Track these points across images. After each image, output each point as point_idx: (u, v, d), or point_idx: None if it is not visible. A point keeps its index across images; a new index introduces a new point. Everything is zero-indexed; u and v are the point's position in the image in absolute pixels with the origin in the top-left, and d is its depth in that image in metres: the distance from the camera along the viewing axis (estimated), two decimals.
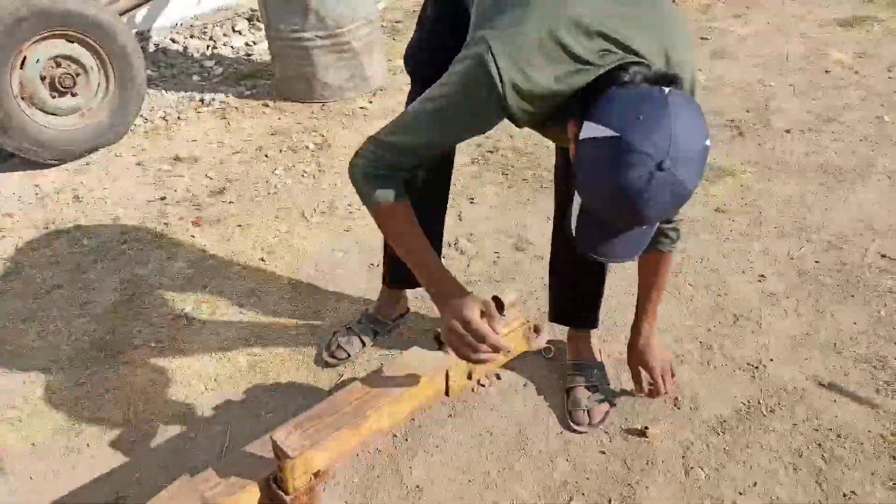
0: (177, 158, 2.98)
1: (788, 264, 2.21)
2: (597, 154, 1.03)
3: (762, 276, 2.18)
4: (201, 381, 1.91)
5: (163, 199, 2.71)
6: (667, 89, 1.02)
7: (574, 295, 1.83)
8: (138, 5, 3.46)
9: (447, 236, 2.43)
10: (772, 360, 1.89)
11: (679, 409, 1.77)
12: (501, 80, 1.11)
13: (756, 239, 2.33)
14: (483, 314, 1.23)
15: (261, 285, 2.25)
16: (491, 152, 2.94)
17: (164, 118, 3.37)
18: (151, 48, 4.13)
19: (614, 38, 1.12)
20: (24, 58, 2.80)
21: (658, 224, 1.20)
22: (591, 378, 1.79)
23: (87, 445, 1.73)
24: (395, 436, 1.72)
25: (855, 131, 2.88)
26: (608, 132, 1.01)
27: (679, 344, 1.96)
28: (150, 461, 1.69)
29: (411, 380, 1.30)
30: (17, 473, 1.68)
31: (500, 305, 1.45)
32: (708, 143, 1.04)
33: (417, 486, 1.61)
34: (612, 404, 1.77)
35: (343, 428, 1.19)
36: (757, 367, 1.87)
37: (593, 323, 1.85)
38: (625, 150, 0.98)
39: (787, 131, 2.92)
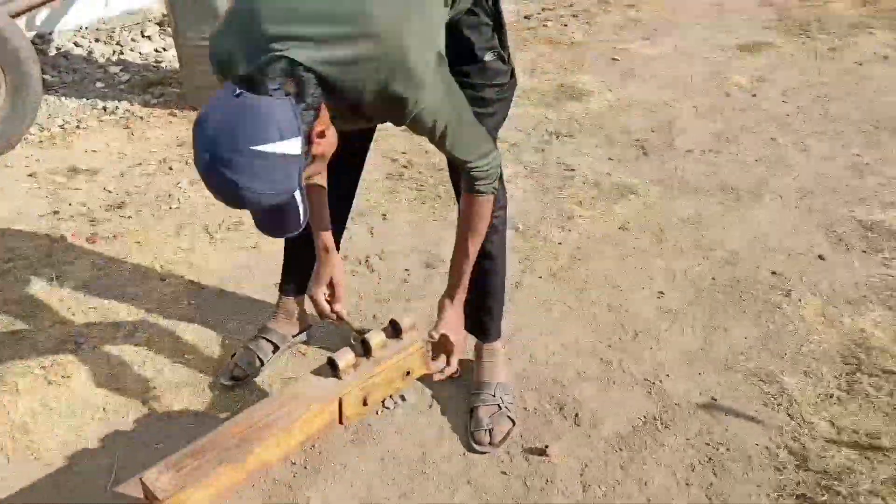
0: (73, 170, 2.84)
1: (686, 281, 2.29)
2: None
3: (661, 292, 2.25)
4: (88, 410, 1.81)
5: (56, 213, 2.57)
6: (238, 91, 1.07)
7: (475, 303, 1.84)
8: (33, 7, 3.29)
9: (359, 253, 2.42)
10: (668, 375, 1.94)
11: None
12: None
13: (657, 256, 2.41)
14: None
15: (158, 306, 2.16)
16: (405, 167, 2.93)
17: (62, 127, 3.21)
18: (52, 52, 3.93)
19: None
20: None
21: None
22: (494, 397, 1.79)
23: None
24: (293, 463, 1.68)
25: (751, 152, 3.02)
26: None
27: (581, 360, 1.99)
28: (29, 499, 1.59)
29: (302, 408, 1.26)
30: None
31: (397, 329, 1.44)
32: (264, 148, 1.05)
33: None
34: (514, 422, 1.78)
35: (225, 464, 1.14)
36: (654, 383, 1.92)
37: (491, 335, 1.86)
38: (194, 136, 1.09)
39: (689, 151, 3.04)
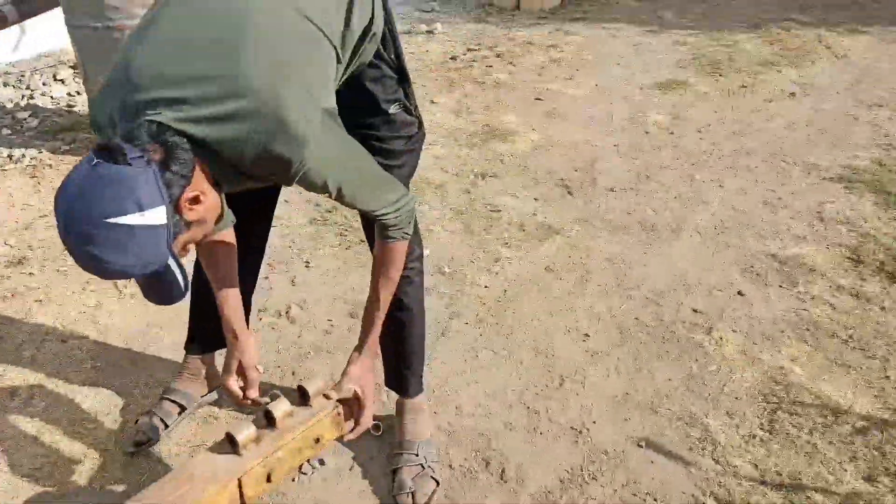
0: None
1: (611, 322, 2.29)
2: None
3: (587, 335, 2.24)
4: None
5: None
6: (95, 161, 1.03)
7: (393, 357, 1.78)
8: None
9: (279, 304, 2.32)
10: (594, 422, 1.92)
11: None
12: None
13: (581, 297, 2.40)
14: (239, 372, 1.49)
15: (59, 369, 2.02)
16: (329, 212, 2.87)
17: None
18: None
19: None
20: None
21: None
22: (417, 456, 1.72)
23: None
24: None
25: (670, 190, 3.08)
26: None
27: (508, 410, 1.95)
28: None
29: (197, 492, 1.17)
30: None
31: (305, 395, 1.36)
32: (117, 220, 1.01)
33: None
34: (438, 483, 1.71)
35: None
36: (580, 431, 1.89)
37: (411, 390, 1.81)
38: (55, 207, 1.05)
39: (611, 190, 3.08)
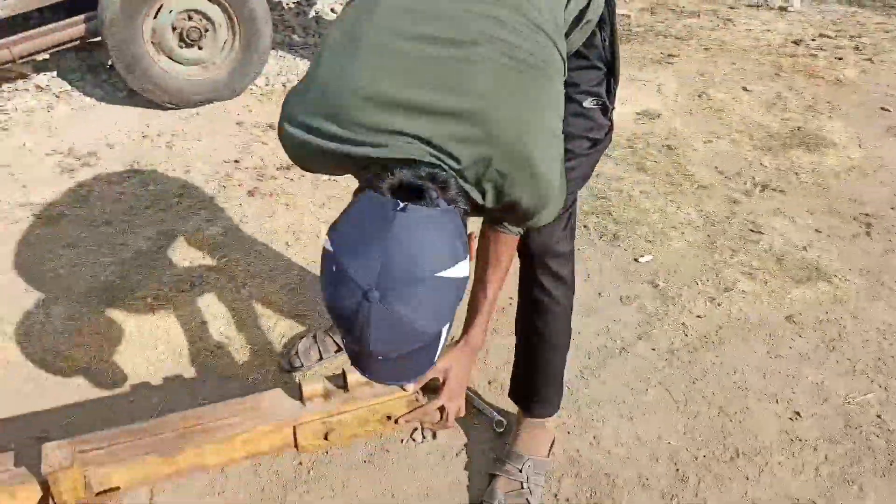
0: (270, 126, 3.08)
1: (840, 411, 1.80)
2: (323, 265, 0.92)
3: (798, 414, 1.80)
4: (168, 349, 1.96)
5: (237, 161, 2.81)
6: (402, 205, 0.87)
7: (521, 374, 1.63)
8: None
9: None
10: None
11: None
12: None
13: (816, 366, 1.93)
14: None
15: (272, 269, 2.26)
16: None
17: (284, 84, 3.50)
18: (311, 14, 4.31)
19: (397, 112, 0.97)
20: (160, 7, 3.02)
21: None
22: (520, 472, 1.58)
23: (46, 379, 1.85)
24: (300, 463, 1.66)
25: None
26: (328, 246, 0.91)
27: (652, 464, 1.67)
28: (86, 410, 1.77)
29: (249, 424, 1.21)
30: None
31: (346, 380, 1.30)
32: (448, 274, 0.86)
33: None
34: None
35: (154, 454, 1.14)
36: None
37: (535, 412, 1.64)
38: (336, 271, 0.87)
39: None
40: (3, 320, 2.00)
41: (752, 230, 2.46)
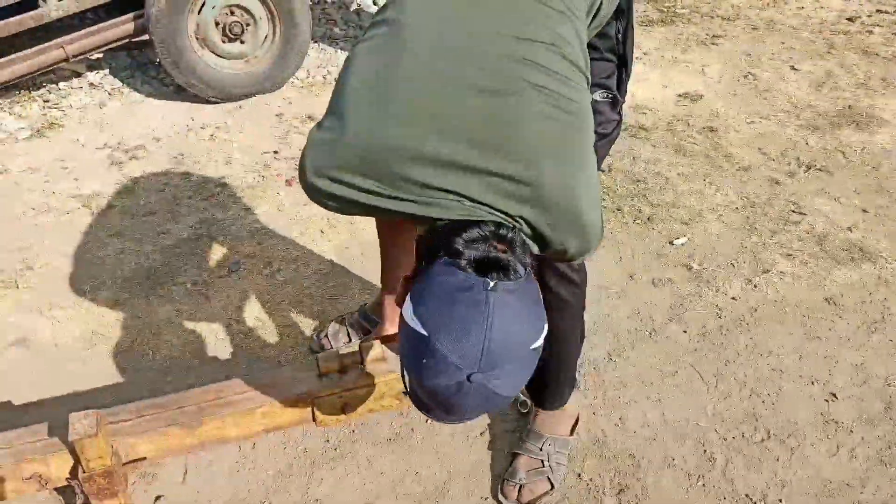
0: (310, 117, 3.14)
1: (880, 392, 1.74)
2: (411, 344, 0.92)
3: (835, 395, 1.74)
4: (207, 331, 2.03)
5: (276, 152, 2.88)
6: (492, 283, 0.88)
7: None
8: None
9: None
10: (780, 501, 1.51)
11: None
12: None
13: (856, 348, 1.86)
14: None
15: (306, 255, 2.32)
16: None
17: (324, 77, 3.56)
18: (353, 7, 4.36)
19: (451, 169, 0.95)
20: (203, 3, 3.11)
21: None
22: (541, 451, 1.58)
23: (91, 359, 1.94)
24: (327, 440, 1.70)
25: None
26: (419, 328, 0.89)
27: (679, 445, 1.65)
28: (127, 388, 1.85)
29: (268, 398, 1.25)
30: (39, 360, 1.93)
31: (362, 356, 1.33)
32: (537, 345, 0.89)
33: (316, 500, 1.58)
34: (553, 486, 1.55)
35: (175, 426, 1.19)
36: None
37: (546, 405, 1.63)
38: (432, 356, 0.87)
39: None
40: (53, 304, 2.11)
41: (793, 211, 2.39)
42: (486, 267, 0.91)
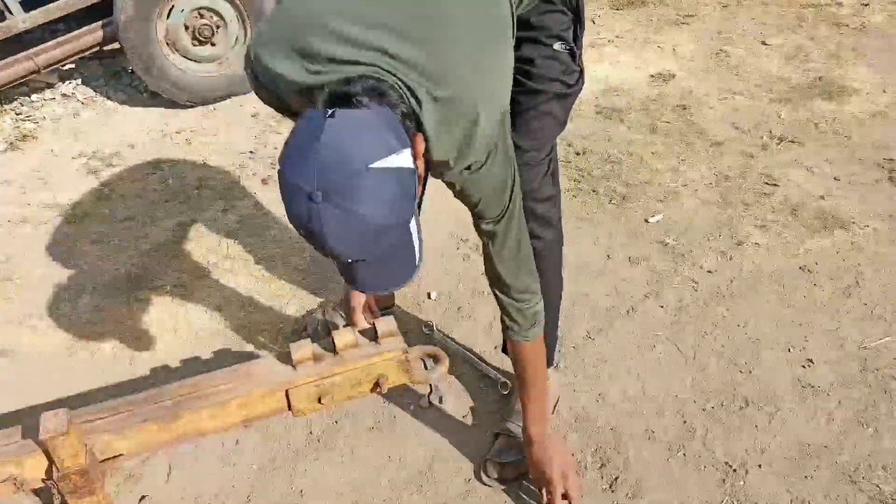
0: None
1: (855, 356, 1.76)
2: (279, 184, 0.96)
3: (810, 361, 1.76)
4: (189, 331, 2.04)
5: (252, 153, 2.88)
6: (330, 111, 0.91)
7: None
8: None
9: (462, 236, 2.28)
10: (759, 466, 1.53)
11: None
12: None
13: (831, 314, 1.89)
14: None
15: (285, 252, 2.32)
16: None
17: None
18: None
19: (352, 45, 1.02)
20: (171, 7, 3.10)
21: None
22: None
23: (73, 366, 1.94)
24: (310, 432, 1.71)
25: None
26: (277, 165, 0.95)
27: (659, 418, 1.66)
28: (110, 394, 1.85)
29: (244, 389, 1.26)
30: (20, 370, 1.93)
31: (335, 344, 1.34)
32: (380, 164, 0.89)
33: (301, 492, 1.58)
34: None
35: (151, 422, 1.20)
36: (734, 471, 1.53)
37: None
38: (282, 183, 0.93)
39: None
40: (33, 314, 2.11)
41: (766, 183, 2.41)
42: (333, 102, 0.94)
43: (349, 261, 0.96)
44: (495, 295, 1.33)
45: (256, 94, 1.18)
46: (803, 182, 2.39)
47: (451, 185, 1.17)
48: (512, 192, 1.19)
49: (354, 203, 0.89)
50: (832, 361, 1.75)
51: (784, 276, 2.02)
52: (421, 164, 1.04)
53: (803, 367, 1.75)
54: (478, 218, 1.23)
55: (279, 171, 0.94)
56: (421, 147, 1.02)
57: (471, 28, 1.08)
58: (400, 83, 1.00)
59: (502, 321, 1.36)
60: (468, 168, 1.11)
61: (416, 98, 1.01)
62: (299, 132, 0.94)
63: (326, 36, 1.03)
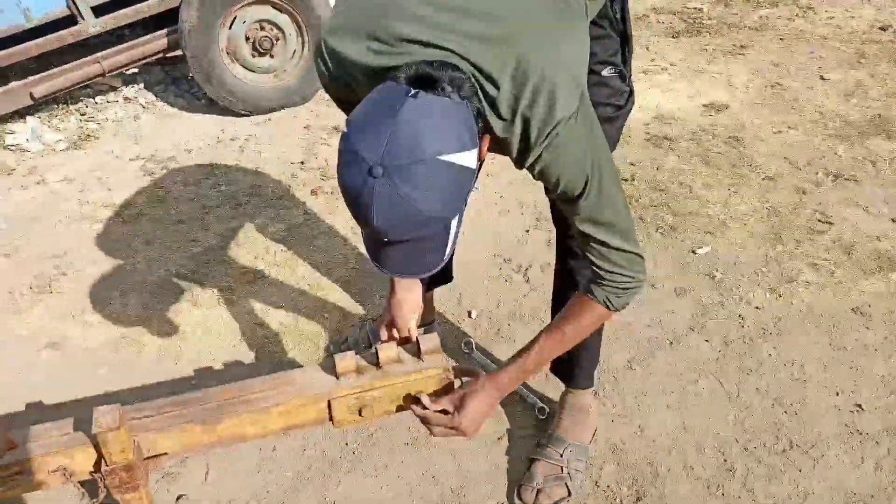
0: (335, 129, 3.20)
1: None
2: (338, 146, 0.97)
3: (860, 406, 1.71)
4: (231, 336, 2.08)
5: (302, 163, 2.94)
6: (413, 91, 0.91)
7: None
8: None
9: (523, 260, 2.29)
10: None
11: None
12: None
13: (884, 358, 1.82)
14: None
15: (330, 261, 2.35)
16: None
17: None
18: None
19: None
20: (234, 18, 3.20)
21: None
22: (561, 457, 1.58)
23: (120, 363, 2.00)
24: (346, 444, 1.72)
25: None
26: (345, 127, 0.95)
27: (699, 454, 1.63)
28: (154, 391, 1.90)
29: (286, 397, 1.27)
30: (70, 363, 1.99)
31: (379, 357, 1.34)
32: (451, 158, 0.89)
33: (333, 503, 1.59)
34: (570, 493, 1.55)
35: (195, 423, 1.22)
36: None
37: (576, 379, 1.64)
38: (344, 147, 0.93)
39: None
40: (84, 309, 2.18)
41: (820, 220, 2.36)
42: (417, 81, 0.93)
43: (385, 240, 0.97)
44: (593, 266, 1.22)
45: (326, 90, 1.19)
46: (858, 221, 2.34)
47: (531, 169, 1.12)
48: (596, 164, 1.12)
49: (412, 188, 0.89)
50: (882, 408, 1.70)
51: (835, 317, 1.97)
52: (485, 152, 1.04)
53: (851, 411, 1.70)
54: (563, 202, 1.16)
55: (343, 134, 0.94)
56: (486, 149, 1.03)
57: (543, 7, 1.08)
58: (476, 72, 1.00)
59: (588, 282, 1.25)
60: (545, 140, 1.06)
61: (494, 81, 1.00)
62: (374, 102, 0.94)
63: (399, 17, 1.03)
